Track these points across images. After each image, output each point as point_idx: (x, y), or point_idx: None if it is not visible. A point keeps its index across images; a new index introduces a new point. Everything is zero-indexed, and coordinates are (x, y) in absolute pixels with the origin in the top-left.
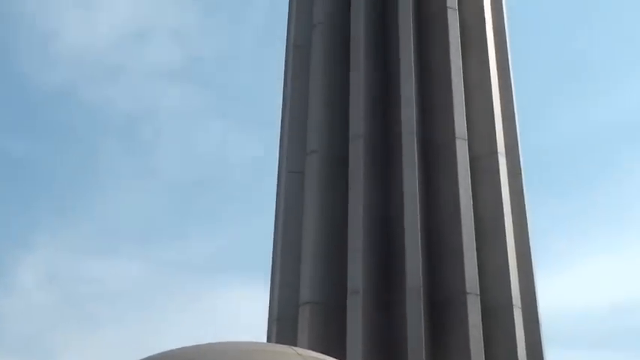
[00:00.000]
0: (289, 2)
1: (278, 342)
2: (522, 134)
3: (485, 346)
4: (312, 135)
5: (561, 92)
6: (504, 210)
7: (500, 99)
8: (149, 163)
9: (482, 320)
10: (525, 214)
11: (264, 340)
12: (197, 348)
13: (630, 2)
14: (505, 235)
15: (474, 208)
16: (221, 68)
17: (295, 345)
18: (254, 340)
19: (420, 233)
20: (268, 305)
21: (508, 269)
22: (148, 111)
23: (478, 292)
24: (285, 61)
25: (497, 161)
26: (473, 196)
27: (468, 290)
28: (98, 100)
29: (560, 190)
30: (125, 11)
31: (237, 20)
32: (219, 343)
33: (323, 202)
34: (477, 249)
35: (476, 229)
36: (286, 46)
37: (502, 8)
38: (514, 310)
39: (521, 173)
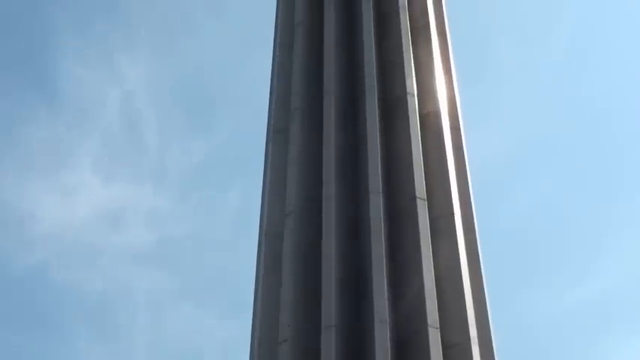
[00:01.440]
0: (262, 190)
1: None
2: (494, 318)
3: None
4: (284, 324)
5: (533, 271)
6: None
7: (471, 284)
8: (119, 347)
9: None
10: None
11: None
12: None
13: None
14: None
15: None
16: (194, 251)
17: None
18: None
19: None
20: None
21: None
22: (119, 293)
23: None
24: (258, 250)
25: (471, 349)
26: None
27: None
28: (70, 282)
29: None
30: (100, 194)
31: (210, 204)
32: None
33: None
34: None
35: None
36: (259, 234)
37: (470, 196)
38: None
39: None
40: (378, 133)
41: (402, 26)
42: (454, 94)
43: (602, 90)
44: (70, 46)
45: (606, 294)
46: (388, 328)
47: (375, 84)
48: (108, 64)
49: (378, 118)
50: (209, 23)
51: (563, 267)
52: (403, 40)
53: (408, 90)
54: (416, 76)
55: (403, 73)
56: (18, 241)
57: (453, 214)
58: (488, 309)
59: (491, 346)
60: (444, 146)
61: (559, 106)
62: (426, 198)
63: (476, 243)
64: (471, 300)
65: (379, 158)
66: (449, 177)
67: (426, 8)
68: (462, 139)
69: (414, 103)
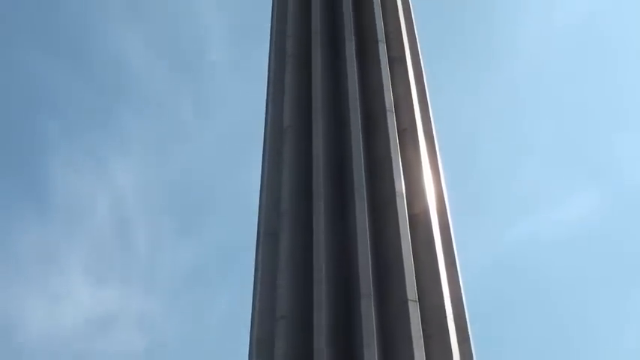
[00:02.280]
0: (253, 294)
1: None
2: None
3: None
4: None
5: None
6: None
7: None
8: None
9: None
10: None
11: None
12: None
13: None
14: None
15: None
16: (184, 356)
17: None
18: None
19: None
20: None
21: None
22: None
23: None
24: (249, 355)
25: None
26: None
27: None
28: None
29: None
30: (90, 299)
31: (201, 308)
32: None
33: None
34: None
35: None
36: (250, 339)
37: (462, 295)
38: None
39: None
40: (368, 235)
41: (390, 129)
42: (442, 194)
43: (591, 190)
44: (60, 153)
45: None
46: None
47: (364, 186)
48: (98, 170)
49: (367, 220)
50: (198, 128)
51: None
52: (391, 143)
53: (397, 191)
54: (404, 177)
55: (392, 175)
56: (6, 347)
57: (446, 316)
58: None
59: None
60: (434, 246)
61: (546, 204)
62: (417, 299)
63: (469, 343)
64: None
65: (370, 261)
66: (440, 277)
67: (413, 110)
68: (451, 238)
69: (403, 204)
